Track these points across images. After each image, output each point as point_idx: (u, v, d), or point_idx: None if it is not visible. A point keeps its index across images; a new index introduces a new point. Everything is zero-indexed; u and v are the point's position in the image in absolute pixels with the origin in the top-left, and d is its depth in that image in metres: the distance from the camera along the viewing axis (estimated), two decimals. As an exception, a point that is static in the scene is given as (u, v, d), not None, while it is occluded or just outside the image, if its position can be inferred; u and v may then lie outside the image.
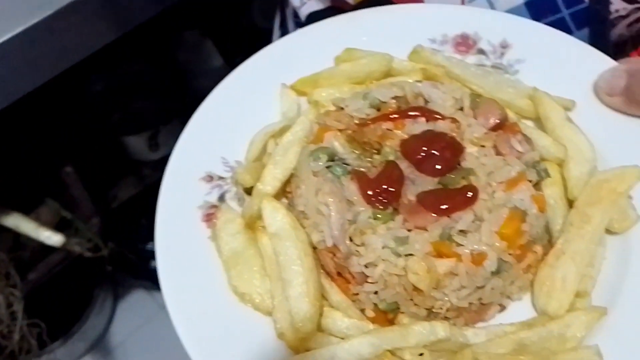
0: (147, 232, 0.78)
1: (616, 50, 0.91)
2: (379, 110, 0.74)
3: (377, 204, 0.65)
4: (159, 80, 1.93)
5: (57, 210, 1.73)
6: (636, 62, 0.77)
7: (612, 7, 0.86)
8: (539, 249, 0.68)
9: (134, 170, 1.98)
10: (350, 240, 0.64)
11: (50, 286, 1.73)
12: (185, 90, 1.98)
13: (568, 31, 0.89)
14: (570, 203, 0.72)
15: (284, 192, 0.75)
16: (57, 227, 1.67)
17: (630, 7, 0.88)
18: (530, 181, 0.67)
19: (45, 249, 1.67)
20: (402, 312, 0.65)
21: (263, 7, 1.99)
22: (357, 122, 0.72)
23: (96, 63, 1.30)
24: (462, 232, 0.63)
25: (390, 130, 0.71)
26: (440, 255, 0.62)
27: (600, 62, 0.80)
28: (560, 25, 0.89)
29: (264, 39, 1.01)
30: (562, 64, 0.82)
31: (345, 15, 0.91)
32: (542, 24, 0.87)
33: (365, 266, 0.63)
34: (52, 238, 1.61)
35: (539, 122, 0.79)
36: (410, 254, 0.62)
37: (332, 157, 0.69)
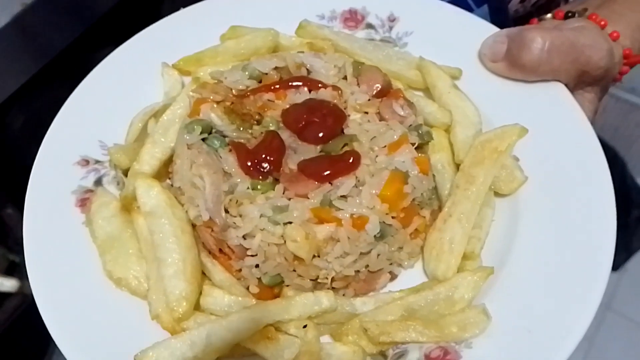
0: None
1: (515, 25, 0.93)
2: (260, 82, 0.71)
3: (257, 175, 0.62)
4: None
5: (4, 255, 1.64)
6: (517, 28, 0.78)
7: None
8: (426, 213, 0.67)
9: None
10: (227, 212, 0.61)
11: (10, 334, 1.63)
12: None
13: (469, 9, 0.90)
14: (458, 167, 0.72)
15: (167, 173, 0.71)
16: (7, 271, 1.58)
17: None
18: (413, 144, 0.66)
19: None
20: (287, 286, 0.62)
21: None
22: (235, 93, 0.69)
23: (15, 96, 1.24)
24: (344, 197, 0.61)
25: (272, 101, 0.69)
26: (320, 221, 0.60)
27: (485, 30, 0.81)
28: (461, 3, 0.90)
29: None
30: (448, 35, 0.82)
31: None
32: None
33: (244, 238, 0.60)
34: (5, 284, 1.52)
35: (428, 92, 0.79)
36: (289, 222, 0.59)
37: (209, 130, 0.66)
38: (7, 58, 1.14)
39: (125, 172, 0.71)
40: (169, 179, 0.71)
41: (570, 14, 0.83)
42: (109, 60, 0.78)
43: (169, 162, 0.71)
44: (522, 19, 0.95)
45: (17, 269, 1.60)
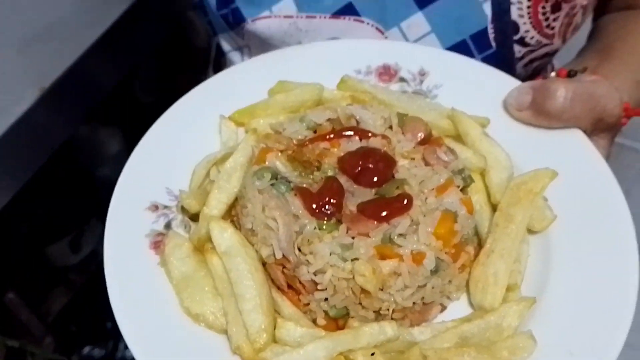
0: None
1: None
2: (315, 132, 0.79)
3: (322, 216, 0.69)
4: (62, 182, 1.87)
5: (2, 341, 1.64)
6: (538, 81, 0.87)
7: (516, 49, 0.99)
8: (470, 249, 0.74)
9: (61, 278, 1.86)
10: (299, 250, 0.67)
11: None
12: (93, 185, 1.88)
13: None
14: (494, 207, 0.79)
15: (229, 215, 0.78)
16: (8, 358, 1.59)
17: (524, 49, 1.00)
18: (457, 186, 0.74)
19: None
20: (352, 317, 0.68)
21: (143, 85, 2.02)
22: (295, 143, 0.77)
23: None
24: (402, 235, 0.68)
25: (327, 149, 0.76)
26: (383, 257, 0.67)
27: (507, 82, 0.90)
28: None
29: (149, 113, 1.04)
30: (474, 87, 0.91)
31: (276, 51, 0.97)
32: (453, 53, 0.96)
33: (315, 274, 0.66)
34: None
35: (459, 139, 0.87)
36: (356, 258, 0.66)
37: (275, 176, 0.73)
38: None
39: (192, 216, 0.77)
40: (231, 221, 0.77)
41: (572, 73, 0.92)
42: (169, 113, 0.85)
43: (231, 206, 0.77)
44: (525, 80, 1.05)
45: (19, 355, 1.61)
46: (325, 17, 1.00)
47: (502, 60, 0.98)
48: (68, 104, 1.31)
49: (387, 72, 0.93)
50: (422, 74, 0.93)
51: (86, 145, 1.77)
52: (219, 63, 1.28)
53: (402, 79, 0.93)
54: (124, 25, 1.36)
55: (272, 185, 0.71)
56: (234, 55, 1.13)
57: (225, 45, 1.15)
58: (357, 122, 0.80)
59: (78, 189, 1.79)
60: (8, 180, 1.26)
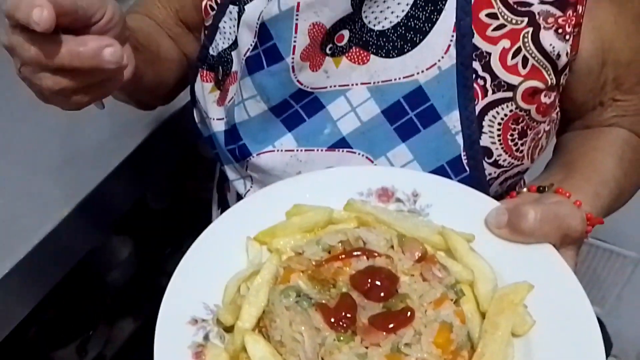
0: None
1: (496, 196, 1.19)
2: (329, 252, 0.93)
3: (339, 329, 0.82)
4: (72, 287, 1.87)
5: None
6: (512, 201, 1.03)
7: (487, 172, 1.14)
8: (465, 354, 0.87)
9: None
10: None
11: None
12: (103, 289, 1.98)
13: None
14: (483, 315, 0.93)
15: (257, 326, 0.90)
16: None
17: (498, 170, 1.15)
18: (451, 299, 0.88)
19: None
20: (369, 417, 0.80)
21: (155, 193, 2.17)
22: (314, 263, 0.91)
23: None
24: (407, 344, 0.81)
25: (341, 267, 0.90)
26: (392, 365, 0.80)
27: (488, 203, 1.06)
28: None
29: (160, 219, 1.17)
30: (460, 206, 1.07)
31: (289, 179, 1.13)
32: (441, 177, 1.13)
33: (337, 380, 0.79)
34: None
35: (449, 252, 1.02)
36: (371, 366, 0.79)
37: (299, 294, 0.86)
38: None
39: (226, 328, 0.90)
40: (259, 331, 0.90)
41: (541, 188, 1.06)
42: (203, 236, 0.99)
43: (259, 318, 0.90)
44: (500, 197, 1.17)
45: None
46: (322, 150, 1.16)
47: (476, 181, 1.11)
48: (91, 222, 1.45)
49: (385, 194, 1.09)
50: (415, 195, 1.09)
51: (97, 252, 1.89)
52: (222, 187, 1.44)
53: (398, 200, 1.09)
54: (143, 151, 1.53)
55: (296, 302, 0.85)
56: (238, 184, 1.26)
57: (230, 174, 1.28)
58: (364, 243, 0.95)
59: (87, 293, 1.90)
60: (28, 295, 1.35)
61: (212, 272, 0.95)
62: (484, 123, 1.09)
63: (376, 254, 0.92)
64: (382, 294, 0.87)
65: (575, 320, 0.92)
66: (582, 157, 1.20)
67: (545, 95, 1.09)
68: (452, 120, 1.08)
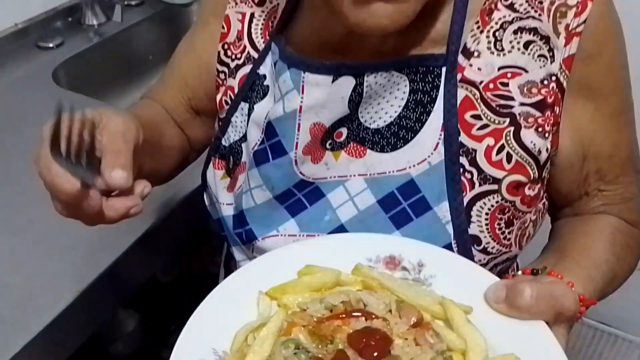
0: None
1: None
2: (331, 311, 1.01)
3: (331, 381, 0.89)
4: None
5: None
6: (510, 280, 1.09)
7: (476, 259, 1.21)
8: (449, 417, 0.92)
9: None
10: (315, 408, 0.87)
11: None
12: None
13: None
14: (472, 383, 0.98)
15: (260, 374, 0.98)
16: None
17: (487, 257, 1.21)
18: (439, 365, 0.94)
19: None
20: None
21: (163, 267, 2.26)
22: (315, 319, 0.99)
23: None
24: (393, 401, 0.87)
25: (340, 326, 0.98)
26: (381, 420, 0.86)
27: (488, 278, 1.12)
28: None
29: (167, 292, 1.25)
30: (462, 279, 1.13)
31: (304, 241, 1.23)
32: (447, 251, 1.20)
33: None
34: None
35: (447, 322, 1.08)
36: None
37: (298, 346, 0.94)
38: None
39: (232, 373, 0.98)
40: (260, 377, 0.97)
41: (535, 271, 1.12)
42: (218, 289, 1.09)
43: (262, 366, 0.98)
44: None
45: None
46: (322, 235, 1.26)
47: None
48: (102, 299, 1.55)
49: (392, 262, 1.17)
50: (421, 265, 1.16)
51: (103, 325, 1.97)
52: (229, 264, 1.54)
53: (404, 268, 1.16)
54: (154, 233, 1.65)
55: (294, 353, 0.93)
56: (244, 264, 1.35)
57: (237, 255, 1.40)
58: (365, 305, 1.02)
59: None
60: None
61: (224, 321, 1.04)
62: (472, 213, 1.15)
63: (374, 316, 0.99)
64: (375, 354, 0.93)
65: None
66: (573, 243, 1.27)
67: (529, 188, 1.16)
68: (442, 210, 1.15)
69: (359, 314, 1.00)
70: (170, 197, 1.74)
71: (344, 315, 0.99)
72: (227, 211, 1.32)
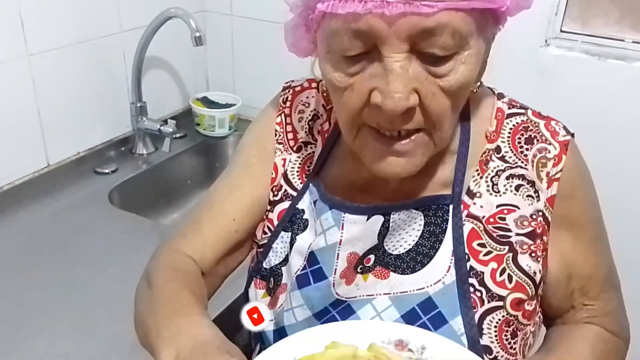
0: None
1: None
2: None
3: None
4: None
5: None
6: None
7: None
8: None
9: None
10: None
11: None
12: None
13: None
14: None
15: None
16: None
17: None
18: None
19: None
20: None
21: None
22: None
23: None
24: None
25: (359, 387, 1.23)
26: None
27: (478, 361, 1.36)
28: None
29: None
30: None
31: (333, 324, 1.44)
32: (447, 339, 1.37)
33: None
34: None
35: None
36: None
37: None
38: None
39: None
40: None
41: None
42: (259, 357, 1.34)
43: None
44: None
45: None
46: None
47: None
48: None
49: (400, 344, 1.38)
50: (423, 348, 1.38)
51: None
52: None
53: (409, 350, 1.41)
54: None
55: (323, 401, 1.17)
56: None
57: None
58: (377, 371, 1.28)
59: None
60: None
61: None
62: (483, 326, 1.31)
63: (386, 378, 1.25)
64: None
65: None
66: (559, 344, 1.53)
67: (527, 304, 1.36)
68: (457, 324, 1.31)
69: (370, 379, 1.26)
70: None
71: (357, 381, 1.25)
72: (269, 327, 1.48)
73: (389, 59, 1.08)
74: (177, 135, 3.20)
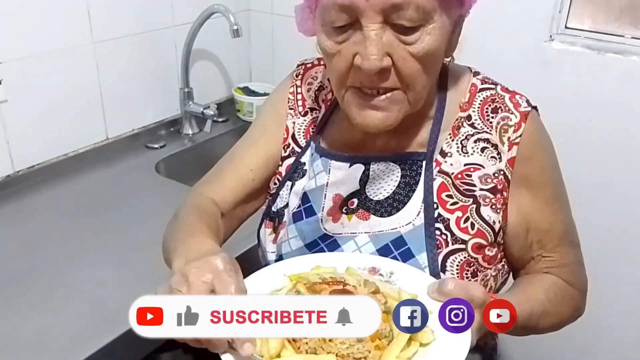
0: None
1: None
2: (323, 280, 1.57)
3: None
4: None
5: None
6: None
7: None
8: (385, 342, 1.42)
9: None
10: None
11: None
12: None
13: None
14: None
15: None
16: None
17: None
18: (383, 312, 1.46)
19: None
20: None
21: None
22: (312, 283, 1.55)
23: None
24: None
25: (326, 288, 1.50)
26: None
27: (432, 280, 1.52)
28: None
29: None
30: (416, 281, 1.55)
31: (320, 254, 1.72)
32: (411, 266, 1.62)
33: None
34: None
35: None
36: None
37: (298, 293, 1.50)
38: None
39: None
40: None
41: None
42: (257, 273, 1.61)
43: None
44: None
45: None
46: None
47: None
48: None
49: (373, 270, 1.61)
50: (391, 273, 1.61)
51: None
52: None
53: (380, 274, 1.63)
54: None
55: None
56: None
57: None
58: (344, 280, 1.56)
59: None
60: None
61: (258, 287, 1.61)
62: (447, 264, 1.52)
63: (348, 285, 1.55)
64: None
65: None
66: (517, 286, 1.78)
67: (488, 250, 1.55)
68: (422, 258, 1.52)
69: (339, 283, 1.56)
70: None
71: (330, 282, 1.56)
72: (272, 257, 1.73)
73: (367, 28, 1.31)
74: (220, 120, 3.52)
